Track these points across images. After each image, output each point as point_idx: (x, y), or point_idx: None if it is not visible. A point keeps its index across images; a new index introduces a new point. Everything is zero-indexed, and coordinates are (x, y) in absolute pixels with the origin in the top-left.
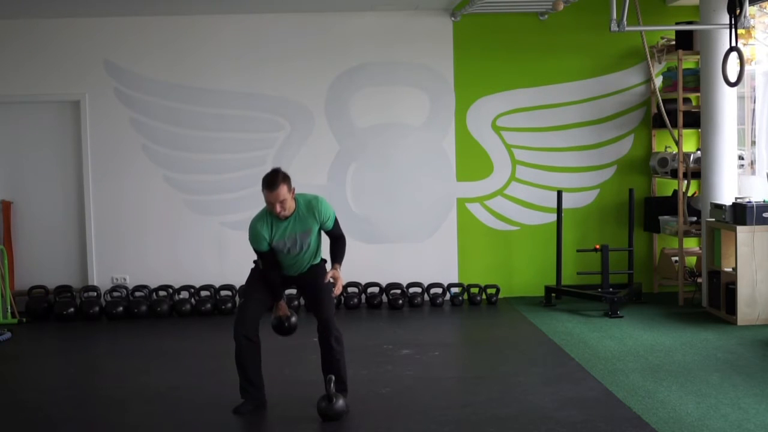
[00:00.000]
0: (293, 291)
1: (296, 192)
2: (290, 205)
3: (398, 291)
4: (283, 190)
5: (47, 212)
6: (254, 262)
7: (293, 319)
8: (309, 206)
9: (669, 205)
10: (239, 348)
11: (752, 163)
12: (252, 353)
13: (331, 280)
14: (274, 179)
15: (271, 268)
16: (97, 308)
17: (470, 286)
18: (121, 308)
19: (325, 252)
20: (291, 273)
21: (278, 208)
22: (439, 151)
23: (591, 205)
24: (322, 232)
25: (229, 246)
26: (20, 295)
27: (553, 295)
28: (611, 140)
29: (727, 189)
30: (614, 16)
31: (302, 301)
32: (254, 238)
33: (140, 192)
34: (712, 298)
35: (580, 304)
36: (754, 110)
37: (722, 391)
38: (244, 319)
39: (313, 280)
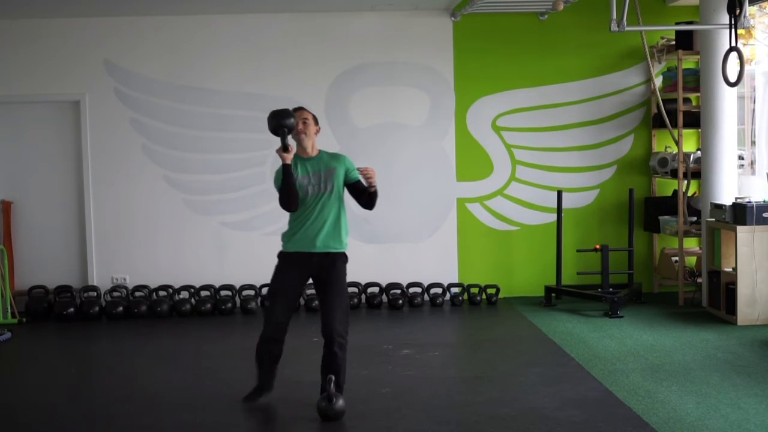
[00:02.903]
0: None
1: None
2: (312, 132)
3: (398, 291)
4: (309, 114)
5: (47, 212)
6: (278, 256)
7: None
8: (334, 155)
9: (669, 205)
10: (260, 342)
11: (752, 163)
12: (270, 352)
13: (363, 173)
14: (302, 106)
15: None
16: (97, 308)
17: (470, 286)
18: (121, 308)
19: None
20: (313, 233)
21: (300, 125)
22: (439, 151)
23: (591, 205)
24: (346, 204)
25: (229, 246)
26: (20, 295)
27: (553, 295)
28: (611, 140)
29: (727, 189)
30: (614, 16)
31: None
32: (278, 172)
33: (140, 192)
34: (712, 298)
35: (580, 304)
36: (754, 110)
37: (722, 391)
38: (270, 320)
39: (330, 276)
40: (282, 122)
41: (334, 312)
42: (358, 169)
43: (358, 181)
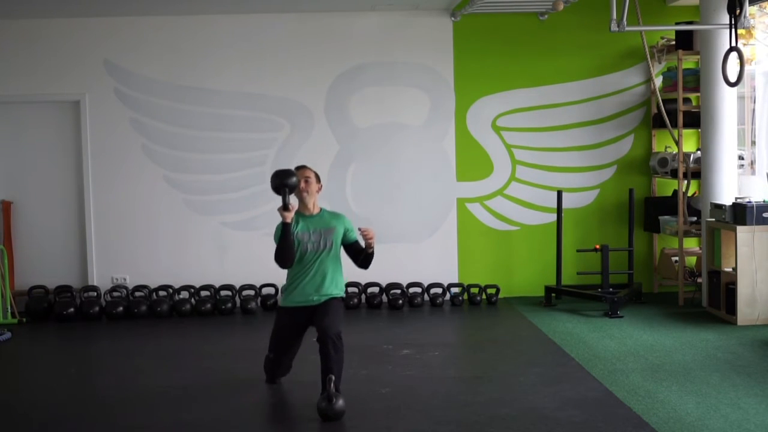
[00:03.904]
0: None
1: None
2: (314, 190)
3: (398, 291)
4: (311, 172)
5: (47, 212)
6: (276, 309)
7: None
8: (334, 213)
9: (669, 205)
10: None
11: (752, 163)
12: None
13: (363, 234)
14: (305, 165)
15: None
16: (97, 308)
17: (470, 286)
18: (121, 308)
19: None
20: (311, 289)
21: (302, 183)
22: (439, 151)
23: (591, 205)
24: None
25: (230, 246)
26: (20, 295)
27: (553, 295)
28: (611, 140)
29: (727, 189)
30: (614, 16)
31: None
32: (278, 227)
33: (140, 192)
34: (712, 298)
35: (580, 304)
36: (754, 110)
37: (722, 391)
38: (272, 375)
39: (326, 302)
40: (285, 181)
41: (327, 315)
42: (359, 229)
43: (356, 242)
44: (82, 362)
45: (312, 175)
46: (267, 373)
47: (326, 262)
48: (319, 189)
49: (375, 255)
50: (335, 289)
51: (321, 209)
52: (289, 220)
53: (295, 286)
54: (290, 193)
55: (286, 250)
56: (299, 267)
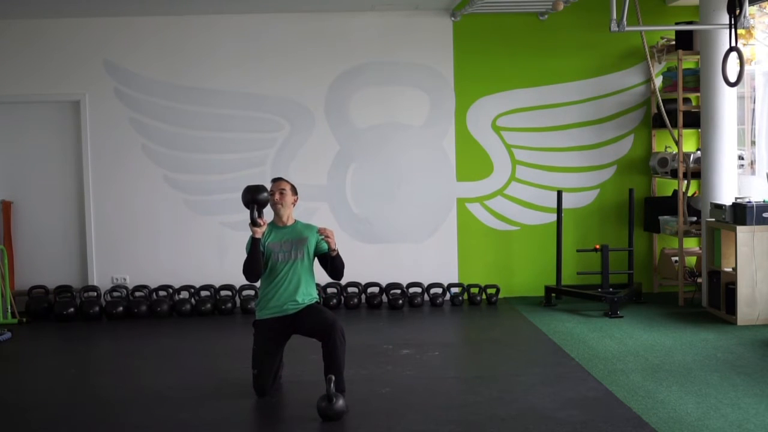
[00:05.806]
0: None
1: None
2: (289, 202)
3: (398, 291)
4: (287, 185)
5: (47, 212)
6: (252, 324)
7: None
8: (307, 225)
9: (669, 205)
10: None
11: (752, 163)
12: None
13: (321, 232)
14: (282, 177)
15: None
16: (97, 308)
17: (470, 286)
18: (121, 308)
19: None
20: (285, 298)
21: (277, 195)
22: (439, 151)
23: (591, 205)
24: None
25: (229, 246)
26: (20, 295)
27: (553, 295)
28: (611, 140)
29: (727, 189)
30: (614, 16)
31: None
32: (250, 238)
33: (140, 192)
34: (712, 298)
35: (580, 304)
36: (754, 110)
37: (722, 391)
38: (263, 390)
39: (308, 308)
40: (255, 197)
41: (323, 313)
42: (319, 230)
43: (328, 251)
44: (82, 362)
45: (287, 187)
46: (257, 390)
47: (298, 273)
48: (295, 201)
49: (375, 254)
50: (308, 297)
51: (295, 221)
52: (258, 236)
53: (270, 298)
54: (261, 208)
55: (253, 264)
56: (271, 278)
